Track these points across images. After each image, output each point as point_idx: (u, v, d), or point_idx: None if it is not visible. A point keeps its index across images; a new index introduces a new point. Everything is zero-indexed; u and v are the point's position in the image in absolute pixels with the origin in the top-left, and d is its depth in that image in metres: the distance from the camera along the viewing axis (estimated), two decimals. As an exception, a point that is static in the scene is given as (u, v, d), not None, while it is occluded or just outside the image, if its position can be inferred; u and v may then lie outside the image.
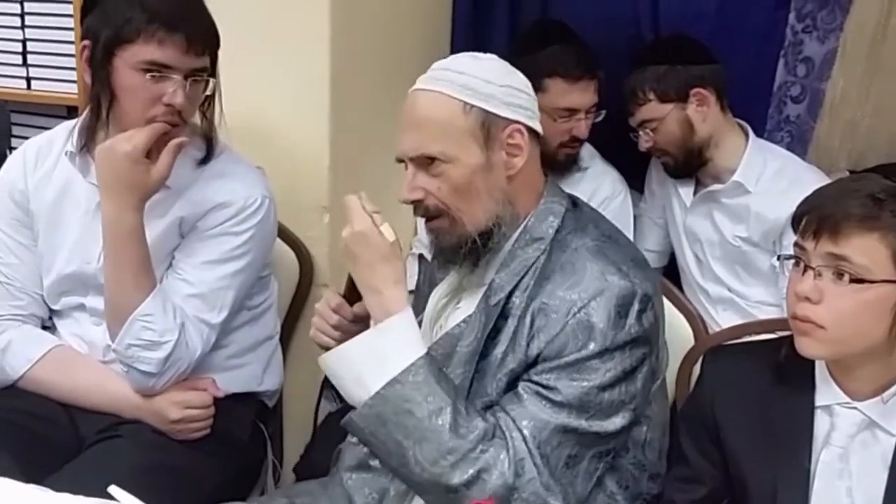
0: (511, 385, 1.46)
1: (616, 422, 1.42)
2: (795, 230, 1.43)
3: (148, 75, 1.64)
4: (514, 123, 1.49)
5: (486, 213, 1.49)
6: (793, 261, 1.43)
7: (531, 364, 1.44)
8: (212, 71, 1.74)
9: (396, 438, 1.39)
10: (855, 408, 1.43)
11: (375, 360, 1.42)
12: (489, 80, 1.48)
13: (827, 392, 1.45)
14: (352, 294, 1.55)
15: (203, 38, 1.68)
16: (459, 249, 1.52)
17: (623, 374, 1.41)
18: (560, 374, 1.40)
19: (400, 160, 1.52)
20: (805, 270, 1.38)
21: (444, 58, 1.57)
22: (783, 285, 2.23)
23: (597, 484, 1.48)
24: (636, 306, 1.41)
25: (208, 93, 1.74)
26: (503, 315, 1.48)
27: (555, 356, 1.41)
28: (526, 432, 1.39)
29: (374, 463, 1.59)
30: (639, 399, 1.45)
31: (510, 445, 1.38)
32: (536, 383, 1.42)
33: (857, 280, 1.34)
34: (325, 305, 1.58)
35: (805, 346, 1.40)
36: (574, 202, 1.59)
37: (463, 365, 1.49)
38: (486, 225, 1.49)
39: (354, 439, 1.59)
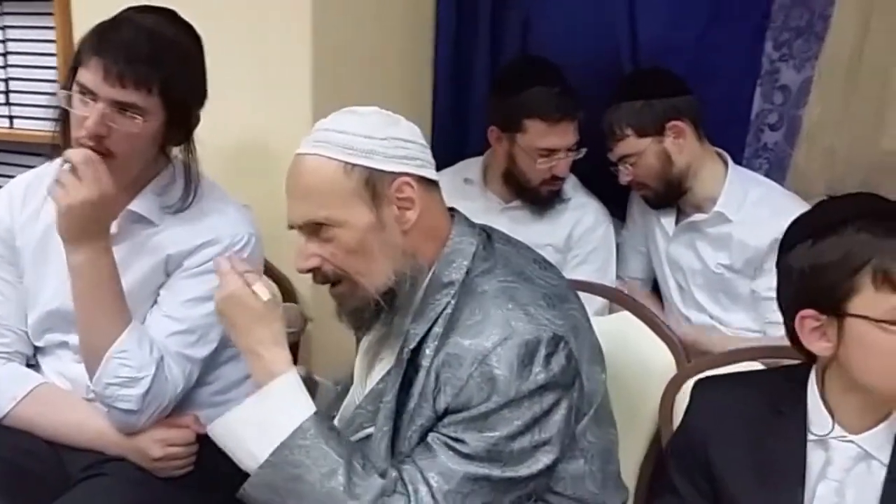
0: (423, 439, 1.42)
1: (532, 466, 1.38)
2: (874, 286, 1.33)
3: (78, 97, 1.65)
4: (400, 176, 1.44)
5: (384, 273, 1.45)
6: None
7: (440, 417, 1.39)
8: (176, 118, 1.72)
9: None
10: (850, 441, 1.41)
11: (259, 428, 1.39)
12: (369, 135, 1.44)
13: (821, 425, 1.43)
14: None
15: (129, 72, 1.61)
16: (363, 313, 1.49)
17: (533, 421, 1.36)
18: (467, 426, 1.36)
19: (291, 227, 1.49)
20: None
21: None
22: (764, 311, 2.26)
23: None
24: (542, 351, 1.35)
25: (138, 131, 1.66)
26: (414, 367, 1.43)
27: (461, 409, 1.36)
28: (433, 482, 1.34)
29: None
30: (557, 440, 1.39)
31: (412, 500, 1.34)
32: (445, 435, 1.38)
33: None
34: None
35: None
36: (489, 236, 1.55)
37: (387, 421, 1.45)
38: (387, 284, 1.45)
39: None
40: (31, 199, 1.85)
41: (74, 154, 1.61)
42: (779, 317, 2.20)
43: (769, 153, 2.62)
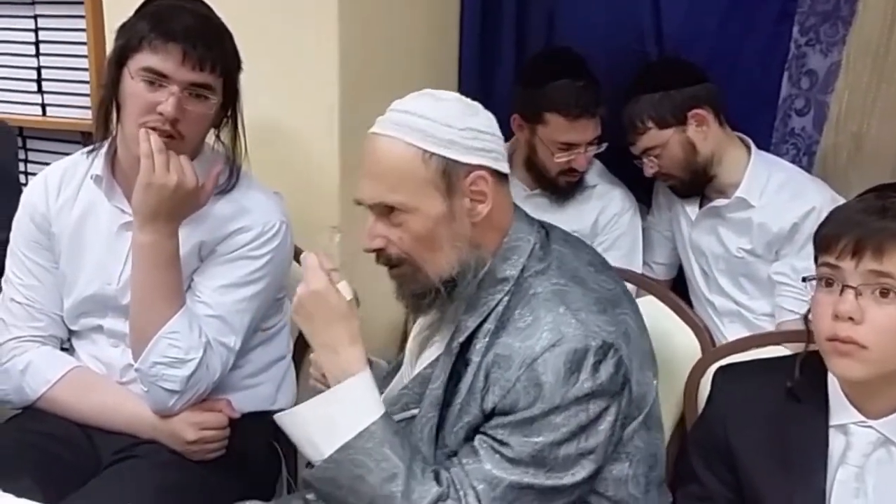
0: (469, 436, 1.43)
1: (577, 473, 1.37)
2: (824, 250, 1.40)
3: (143, 83, 1.66)
4: (476, 169, 1.43)
5: (449, 263, 1.44)
6: (822, 281, 1.40)
7: (487, 417, 1.40)
8: (229, 97, 1.77)
9: (350, 502, 1.39)
10: (870, 426, 1.42)
11: (327, 425, 1.41)
12: (449, 125, 1.42)
13: (841, 411, 1.44)
14: None
15: (207, 55, 1.67)
16: (423, 298, 1.48)
17: (579, 429, 1.36)
18: (513, 430, 1.36)
19: (359, 203, 1.48)
20: (843, 290, 1.36)
21: (453, 87, 1.54)
22: (777, 295, 2.25)
23: None
24: (590, 359, 1.35)
25: (209, 112, 1.73)
26: (464, 360, 1.44)
27: (508, 411, 1.36)
28: (480, 488, 1.35)
29: None
30: (602, 448, 1.39)
31: None
32: (491, 437, 1.38)
33: None
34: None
35: (845, 369, 1.38)
36: (548, 233, 1.54)
37: (433, 408, 1.47)
38: (450, 274, 1.44)
39: None
40: (67, 186, 1.87)
41: (157, 141, 1.65)
42: (790, 303, 2.19)
43: (796, 138, 2.60)
